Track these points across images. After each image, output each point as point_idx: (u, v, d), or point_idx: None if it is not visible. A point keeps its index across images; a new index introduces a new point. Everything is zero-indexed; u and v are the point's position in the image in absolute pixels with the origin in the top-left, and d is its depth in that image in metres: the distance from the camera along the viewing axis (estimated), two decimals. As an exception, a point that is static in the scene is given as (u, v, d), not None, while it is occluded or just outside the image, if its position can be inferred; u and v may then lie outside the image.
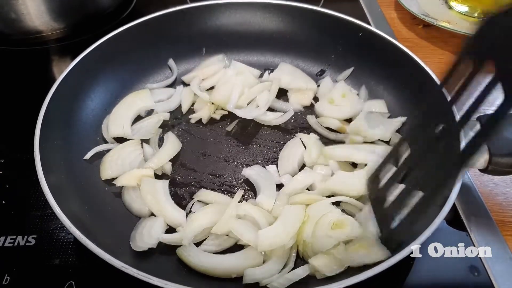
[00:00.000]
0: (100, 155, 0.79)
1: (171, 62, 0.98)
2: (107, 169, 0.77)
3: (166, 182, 0.75)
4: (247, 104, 0.89)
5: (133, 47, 0.92)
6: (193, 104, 0.92)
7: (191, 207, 0.73)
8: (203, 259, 0.63)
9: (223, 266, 0.62)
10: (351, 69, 0.96)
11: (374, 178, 0.64)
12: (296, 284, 0.61)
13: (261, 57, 1.01)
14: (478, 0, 1.15)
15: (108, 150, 0.80)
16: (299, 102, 0.92)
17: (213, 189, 0.76)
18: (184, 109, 0.91)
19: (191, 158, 0.82)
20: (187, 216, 0.71)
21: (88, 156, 0.78)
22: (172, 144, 0.82)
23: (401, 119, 0.85)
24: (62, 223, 0.59)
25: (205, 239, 0.68)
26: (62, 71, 0.80)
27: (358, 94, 0.92)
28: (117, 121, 0.84)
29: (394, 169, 0.62)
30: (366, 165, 0.76)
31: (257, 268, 0.62)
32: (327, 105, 0.89)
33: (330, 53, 0.98)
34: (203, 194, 0.75)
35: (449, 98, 0.54)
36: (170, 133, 0.85)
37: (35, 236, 0.69)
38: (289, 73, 0.94)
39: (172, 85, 0.96)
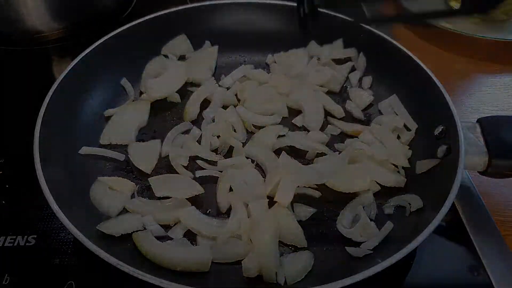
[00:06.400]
0: (99, 156, 0.79)
1: (124, 81, 0.91)
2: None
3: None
4: None
5: (133, 47, 0.92)
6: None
7: None
8: (154, 247, 0.63)
9: (169, 256, 0.62)
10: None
11: None
12: (295, 283, 0.61)
13: (262, 57, 1.00)
14: (478, 0, 1.15)
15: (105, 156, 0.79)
16: None
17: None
18: None
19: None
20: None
21: (83, 151, 0.77)
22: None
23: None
24: (62, 223, 0.59)
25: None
26: (62, 71, 0.80)
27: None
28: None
29: None
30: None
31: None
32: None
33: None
34: None
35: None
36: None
37: (35, 236, 0.69)
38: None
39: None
